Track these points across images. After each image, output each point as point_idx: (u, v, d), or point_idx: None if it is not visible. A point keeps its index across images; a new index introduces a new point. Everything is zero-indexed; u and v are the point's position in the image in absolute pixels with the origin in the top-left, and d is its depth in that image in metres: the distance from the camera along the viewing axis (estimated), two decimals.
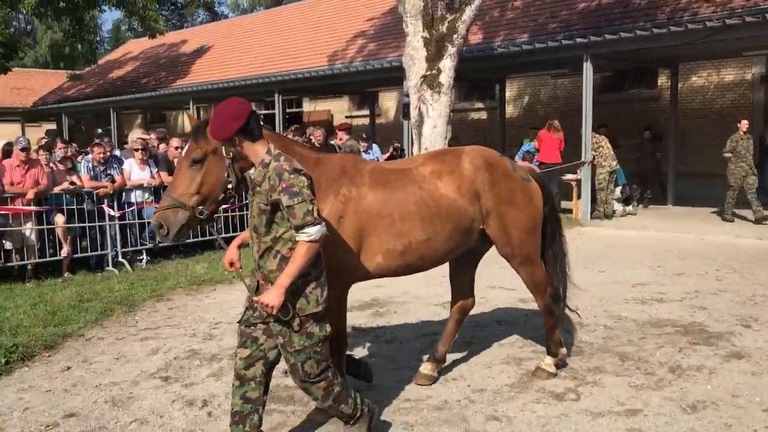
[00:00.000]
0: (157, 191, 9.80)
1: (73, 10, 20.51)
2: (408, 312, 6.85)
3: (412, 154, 14.88)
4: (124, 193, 9.95)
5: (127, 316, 7.08)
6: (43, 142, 12.69)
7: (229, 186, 3.75)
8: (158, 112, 31.23)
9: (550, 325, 4.95)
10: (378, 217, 4.12)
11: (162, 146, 11.55)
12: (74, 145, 14.63)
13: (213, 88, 21.88)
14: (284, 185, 3.33)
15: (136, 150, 10.32)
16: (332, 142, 12.21)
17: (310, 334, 3.48)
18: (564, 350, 5.06)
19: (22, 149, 9.09)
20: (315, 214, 3.34)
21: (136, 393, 4.88)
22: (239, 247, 3.83)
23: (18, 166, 9.07)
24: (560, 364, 5.02)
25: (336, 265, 3.87)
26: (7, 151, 10.26)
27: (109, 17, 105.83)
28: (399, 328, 6.35)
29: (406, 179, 4.32)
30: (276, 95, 19.96)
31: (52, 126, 30.93)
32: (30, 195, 8.91)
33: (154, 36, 22.59)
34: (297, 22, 24.65)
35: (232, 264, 3.77)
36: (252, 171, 3.50)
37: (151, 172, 10.24)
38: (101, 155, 10.01)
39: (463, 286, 5.03)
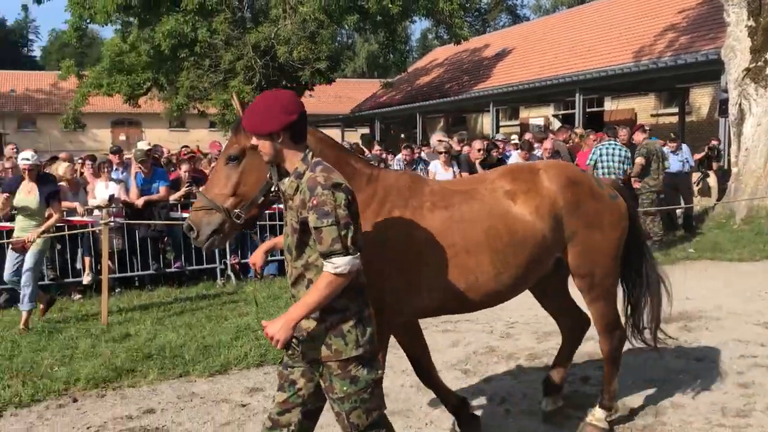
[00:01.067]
0: None
1: (388, 23, 22.29)
2: (722, 329, 6.23)
3: (729, 154, 13.54)
4: None
5: None
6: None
7: (273, 189, 3.26)
8: (458, 115, 32.54)
9: (611, 373, 4.24)
10: (436, 247, 3.51)
11: (466, 148, 12.02)
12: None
13: (512, 90, 22.18)
14: (315, 202, 2.75)
15: (440, 153, 10.90)
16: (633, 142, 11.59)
17: (355, 379, 2.86)
18: (618, 405, 4.35)
19: None
20: (348, 242, 2.75)
21: None
22: (266, 251, 3.43)
23: None
24: (613, 420, 4.25)
25: (378, 301, 3.30)
26: None
27: (417, 27, 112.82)
28: (711, 347, 5.81)
29: (474, 202, 3.69)
30: (576, 94, 19.53)
31: (366, 130, 33.98)
32: None
33: (459, 42, 23.58)
34: (597, 21, 23.89)
35: (255, 264, 3.40)
36: (285, 180, 2.96)
37: (454, 172, 10.74)
38: (409, 156, 10.80)
39: (560, 309, 4.47)
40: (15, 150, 10.97)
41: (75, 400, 5.07)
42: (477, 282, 3.60)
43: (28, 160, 7.18)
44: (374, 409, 2.93)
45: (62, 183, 8.35)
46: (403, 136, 21.34)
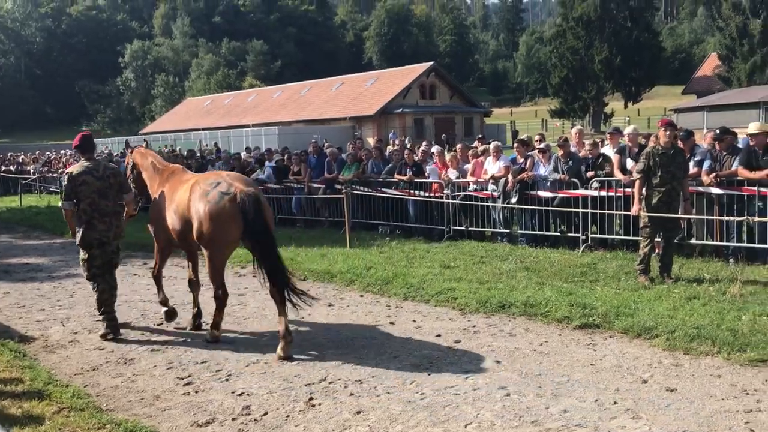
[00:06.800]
0: None
1: None
2: None
3: None
4: None
5: None
6: None
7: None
8: None
9: (216, 311, 6.81)
10: (163, 207, 6.97)
11: None
12: None
13: None
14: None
15: None
16: None
17: (79, 252, 7.21)
18: (217, 333, 6.82)
19: None
20: (63, 196, 7.15)
21: None
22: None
23: None
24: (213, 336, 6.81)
25: (162, 232, 7.09)
26: None
27: None
28: None
29: (179, 186, 6.91)
30: None
31: None
32: None
33: None
34: None
35: None
36: None
37: None
38: None
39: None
40: None
41: None
42: (170, 228, 6.97)
43: None
44: (86, 273, 7.17)
45: None
46: None
